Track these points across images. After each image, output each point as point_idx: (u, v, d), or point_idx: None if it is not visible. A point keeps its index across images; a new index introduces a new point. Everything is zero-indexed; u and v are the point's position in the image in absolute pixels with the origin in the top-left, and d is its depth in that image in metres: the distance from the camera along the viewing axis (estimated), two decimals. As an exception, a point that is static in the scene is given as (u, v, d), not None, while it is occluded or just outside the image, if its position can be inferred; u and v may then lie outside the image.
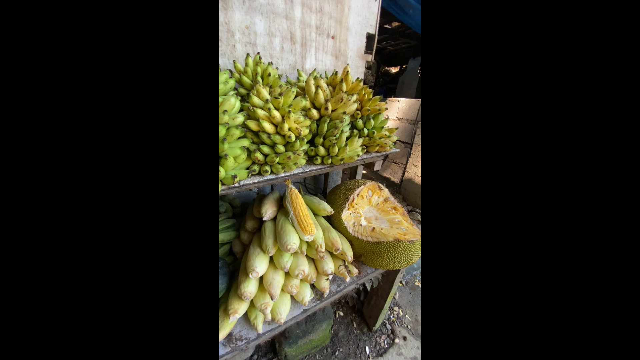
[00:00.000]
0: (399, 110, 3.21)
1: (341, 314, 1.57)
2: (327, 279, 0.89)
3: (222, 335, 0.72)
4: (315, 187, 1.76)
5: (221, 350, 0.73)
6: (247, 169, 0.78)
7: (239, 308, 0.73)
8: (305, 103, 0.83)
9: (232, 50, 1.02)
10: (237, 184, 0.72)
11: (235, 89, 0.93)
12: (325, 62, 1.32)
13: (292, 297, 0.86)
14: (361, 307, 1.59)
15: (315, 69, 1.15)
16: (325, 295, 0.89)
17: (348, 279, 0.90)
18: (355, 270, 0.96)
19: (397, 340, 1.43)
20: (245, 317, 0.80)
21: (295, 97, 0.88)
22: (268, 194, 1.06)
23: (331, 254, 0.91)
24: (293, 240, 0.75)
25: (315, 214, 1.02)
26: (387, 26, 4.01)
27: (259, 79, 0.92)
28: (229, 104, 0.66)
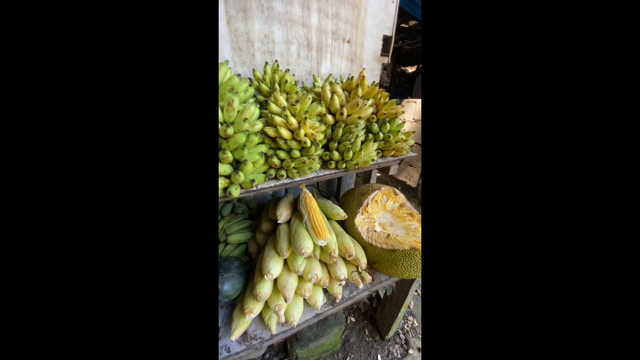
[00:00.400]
0: (415, 111, 3.11)
1: (352, 319, 1.55)
2: (340, 285, 0.89)
3: (238, 333, 0.75)
4: (328, 190, 1.76)
5: (237, 348, 0.76)
6: (264, 173, 0.81)
7: (254, 308, 0.76)
8: (321, 109, 0.84)
9: (251, 59, 1.06)
10: (255, 188, 0.74)
11: (254, 96, 0.97)
12: (341, 66, 1.32)
13: (304, 300, 0.87)
14: (373, 314, 1.56)
15: (330, 74, 1.16)
16: (337, 301, 0.89)
17: (361, 286, 0.89)
18: (368, 277, 0.94)
19: (411, 351, 1.38)
20: (260, 317, 0.82)
21: (311, 102, 0.89)
22: (282, 197, 1.09)
23: (344, 259, 0.91)
24: (307, 244, 0.76)
25: (328, 218, 1.02)
26: (403, 25, 3.92)
27: (277, 86, 0.95)
28: (249, 112, 0.69)
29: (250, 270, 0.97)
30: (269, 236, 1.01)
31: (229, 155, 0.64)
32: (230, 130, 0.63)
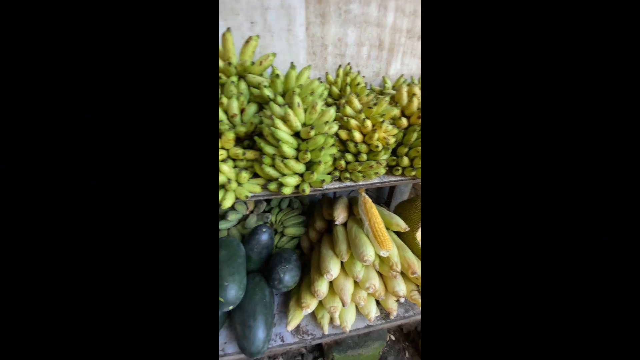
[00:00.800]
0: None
1: (392, 338, 1.44)
2: (397, 301, 0.83)
3: (293, 324, 0.79)
4: (377, 197, 1.68)
5: (290, 339, 0.79)
6: (329, 174, 0.82)
7: (311, 304, 0.78)
8: (396, 112, 0.80)
9: (323, 63, 1.10)
10: (322, 187, 0.76)
11: (325, 99, 0.99)
12: (412, 66, 1.23)
13: (357, 308, 0.85)
14: (417, 338, 1.41)
15: (402, 75, 1.09)
16: (392, 317, 0.83)
17: (421, 308, 0.81)
18: (429, 300, 0.85)
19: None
20: (313, 314, 0.84)
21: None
22: (337, 198, 1.09)
23: (403, 275, 0.84)
24: (369, 252, 0.74)
25: (385, 227, 0.97)
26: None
27: (347, 88, 0.95)
28: (329, 115, 0.71)
29: (304, 264, 1.01)
30: (322, 235, 1.03)
31: (309, 156, 0.67)
32: (312, 132, 0.66)
